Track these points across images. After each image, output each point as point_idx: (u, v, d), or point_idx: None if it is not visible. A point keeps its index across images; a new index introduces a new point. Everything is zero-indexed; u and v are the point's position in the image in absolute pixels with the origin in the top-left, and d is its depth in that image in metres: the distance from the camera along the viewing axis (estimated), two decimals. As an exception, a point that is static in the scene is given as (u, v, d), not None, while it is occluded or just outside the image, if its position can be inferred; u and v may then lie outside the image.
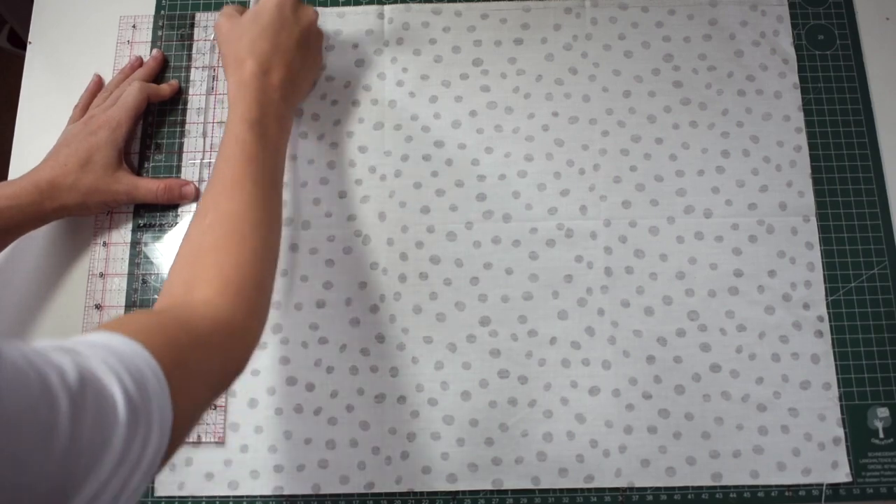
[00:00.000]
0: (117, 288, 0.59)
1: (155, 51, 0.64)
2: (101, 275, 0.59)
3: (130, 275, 0.59)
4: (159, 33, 0.65)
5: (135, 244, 0.60)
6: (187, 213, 0.60)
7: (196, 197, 0.60)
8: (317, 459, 0.56)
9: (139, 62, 0.63)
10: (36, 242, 0.60)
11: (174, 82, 0.63)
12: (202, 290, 0.43)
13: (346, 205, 0.60)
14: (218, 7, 0.65)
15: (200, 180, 0.61)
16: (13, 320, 0.58)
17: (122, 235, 0.60)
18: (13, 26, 1.33)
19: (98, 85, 0.63)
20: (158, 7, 0.66)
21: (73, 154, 0.56)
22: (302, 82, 0.57)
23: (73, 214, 0.57)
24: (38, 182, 0.54)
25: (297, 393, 0.57)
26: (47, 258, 0.60)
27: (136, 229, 0.60)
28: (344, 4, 0.65)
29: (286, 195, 0.60)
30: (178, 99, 0.63)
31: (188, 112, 0.63)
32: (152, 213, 0.60)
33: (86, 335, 0.34)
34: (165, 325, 0.38)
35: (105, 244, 0.60)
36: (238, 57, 0.54)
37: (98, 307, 0.58)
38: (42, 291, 0.59)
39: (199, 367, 0.39)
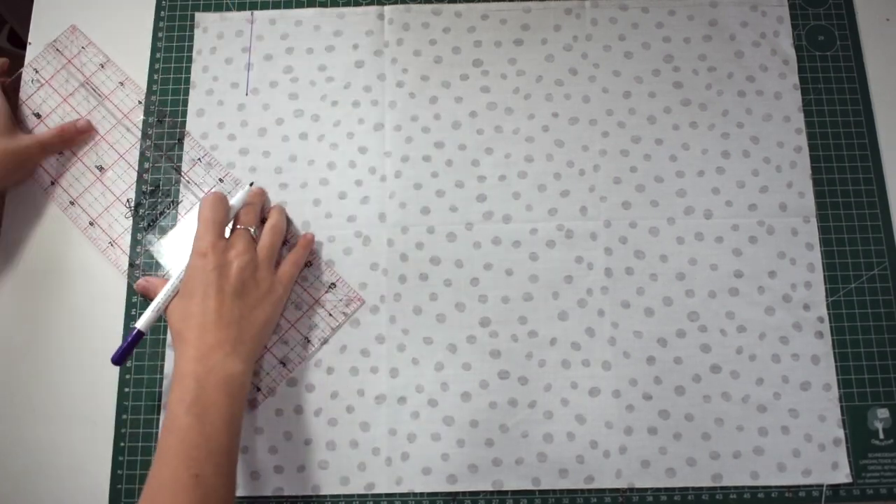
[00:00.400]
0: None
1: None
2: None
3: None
4: (159, 34, 0.65)
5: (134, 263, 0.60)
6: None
7: (90, 128, 0.61)
8: (317, 460, 0.56)
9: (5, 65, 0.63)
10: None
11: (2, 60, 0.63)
12: None
13: (346, 206, 0.60)
14: (218, 7, 0.65)
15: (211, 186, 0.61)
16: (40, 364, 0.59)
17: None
18: (13, 26, 1.33)
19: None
20: (158, 7, 0.66)
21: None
22: (251, 328, 0.51)
23: None
24: None
25: (297, 394, 0.57)
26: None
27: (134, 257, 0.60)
28: (344, 5, 0.65)
29: (286, 196, 0.60)
30: (178, 101, 0.63)
31: (188, 115, 0.63)
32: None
33: None
34: None
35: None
36: (175, 327, 0.51)
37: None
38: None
39: None
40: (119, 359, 0.53)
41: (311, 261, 0.59)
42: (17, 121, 0.61)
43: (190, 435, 0.46)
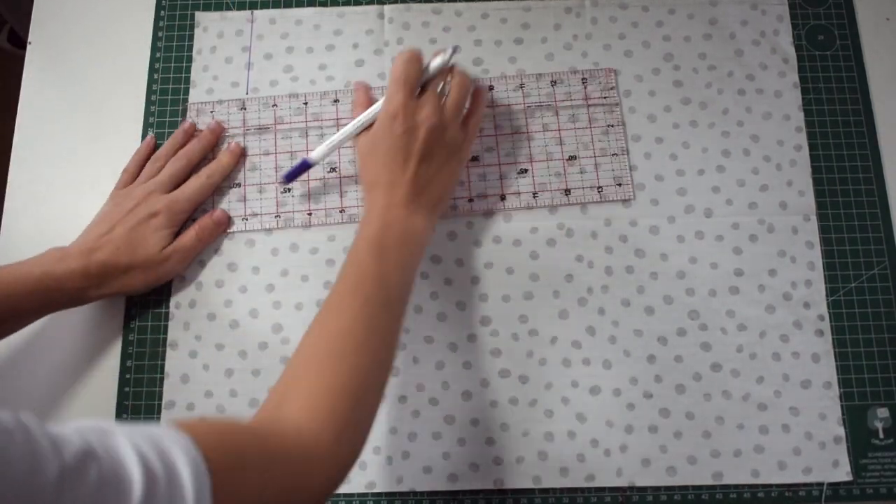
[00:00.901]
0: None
1: (234, 143, 0.61)
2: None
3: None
4: (159, 34, 0.65)
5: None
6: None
7: (227, 219, 0.60)
8: (318, 459, 0.55)
9: (192, 128, 0.61)
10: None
11: (235, 146, 0.61)
12: (292, 408, 0.42)
13: (347, 204, 0.60)
14: (218, 7, 0.65)
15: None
16: (46, 389, 0.58)
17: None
18: (13, 26, 1.33)
19: (150, 148, 0.61)
20: (158, 7, 0.66)
21: (126, 237, 0.55)
22: (436, 188, 0.54)
23: (120, 294, 0.58)
24: (88, 266, 0.53)
25: (297, 393, 0.57)
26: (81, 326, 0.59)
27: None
28: (344, 4, 0.65)
29: (286, 195, 0.60)
30: (178, 100, 0.63)
31: (188, 114, 0.63)
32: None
33: (147, 426, 0.34)
34: (234, 432, 0.39)
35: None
36: (366, 179, 0.54)
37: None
38: (76, 362, 0.59)
39: (262, 480, 0.37)
40: (288, 178, 0.58)
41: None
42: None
43: (367, 268, 0.49)
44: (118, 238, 0.55)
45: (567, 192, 0.60)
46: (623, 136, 0.61)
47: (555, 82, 0.62)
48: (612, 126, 0.61)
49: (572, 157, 0.61)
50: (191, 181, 0.59)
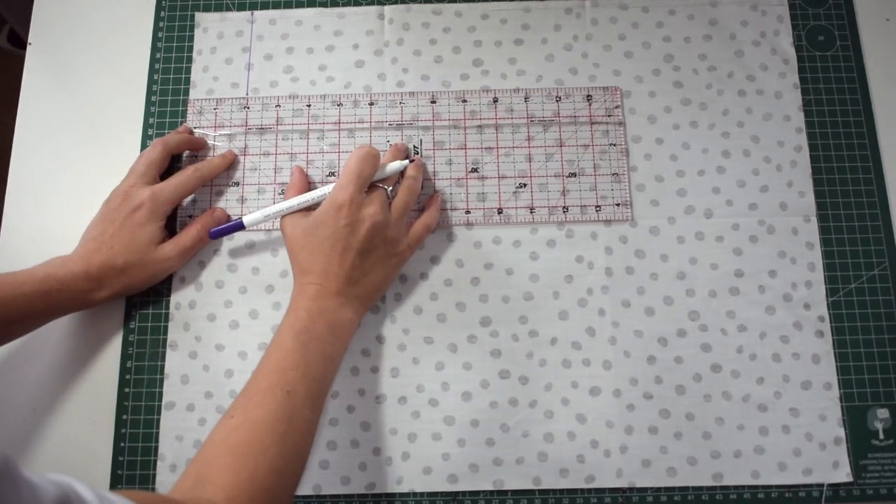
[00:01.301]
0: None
1: (228, 151, 0.61)
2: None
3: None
4: (159, 34, 0.65)
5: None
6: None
7: (227, 218, 0.60)
8: (318, 460, 0.55)
9: (186, 131, 0.61)
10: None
11: (230, 152, 0.61)
12: (211, 491, 0.42)
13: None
14: (218, 7, 0.65)
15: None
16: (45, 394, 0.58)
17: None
18: (13, 26, 1.33)
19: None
20: (158, 7, 0.66)
21: (117, 234, 0.55)
22: (370, 283, 0.54)
23: (123, 296, 0.58)
24: (88, 269, 0.54)
25: (297, 393, 0.57)
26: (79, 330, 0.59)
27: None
28: (344, 5, 0.65)
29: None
30: (178, 101, 0.63)
31: (188, 115, 0.63)
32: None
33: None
34: None
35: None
36: (300, 265, 0.53)
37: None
38: (75, 362, 0.59)
39: None
40: (216, 235, 0.58)
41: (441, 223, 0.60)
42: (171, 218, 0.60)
43: (291, 357, 0.49)
44: (111, 239, 0.55)
45: (565, 209, 0.60)
46: (625, 156, 0.60)
47: (559, 98, 0.62)
48: (615, 145, 0.61)
49: (572, 175, 0.60)
50: (176, 174, 0.59)
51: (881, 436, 0.56)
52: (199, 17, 0.65)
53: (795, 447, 0.55)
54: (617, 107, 0.61)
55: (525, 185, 0.60)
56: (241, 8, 0.65)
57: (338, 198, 0.53)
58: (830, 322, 0.58)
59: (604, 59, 0.63)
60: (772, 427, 0.55)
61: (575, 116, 0.61)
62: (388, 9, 0.65)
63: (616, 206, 0.59)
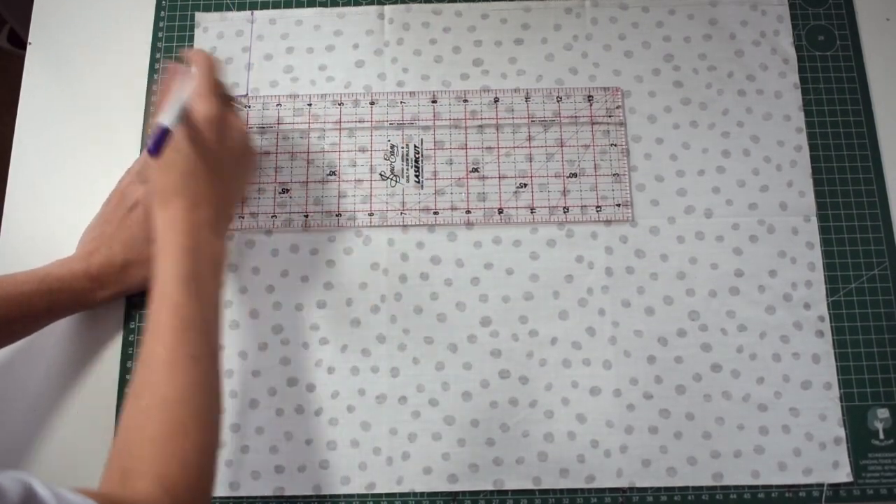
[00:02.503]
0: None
1: None
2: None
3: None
4: (159, 34, 0.65)
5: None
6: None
7: None
8: (318, 460, 0.55)
9: None
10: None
11: None
12: (138, 484, 0.40)
13: (346, 205, 0.60)
14: (218, 7, 0.65)
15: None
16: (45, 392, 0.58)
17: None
18: (13, 26, 1.33)
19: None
20: (158, 7, 0.66)
21: (116, 234, 0.55)
22: (232, 207, 0.52)
23: (124, 294, 0.57)
24: (89, 268, 0.54)
25: (298, 393, 0.57)
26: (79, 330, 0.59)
27: None
28: (344, 5, 0.65)
29: (286, 195, 0.60)
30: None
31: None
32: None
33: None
34: None
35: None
36: (164, 194, 0.48)
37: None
38: (75, 364, 0.58)
39: None
40: (154, 150, 0.45)
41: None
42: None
43: (185, 312, 0.44)
44: (109, 238, 0.55)
45: (566, 209, 0.60)
46: (626, 156, 0.60)
47: (560, 98, 0.62)
48: (615, 146, 0.61)
49: (573, 175, 0.60)
50: None
51: (881, 436, 0.56)
52: (199, 16, 0.65)
53: (795, 447, 0.55)
54: (618, 107, 0.61)
55: (525, 185, 0.60)
56: (241, 8, 0.65)
57: (206, 111, 0.48)
58: (830, 322, 0.58)
59: (604, 58, 0.63)
60: (772, 427, 0.55)
61: (576, 117, 0.61)
62: (388, 8, 0.65)
63: (616, 207, 0.59)
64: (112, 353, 0.58)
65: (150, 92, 0.63)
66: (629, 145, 0.61)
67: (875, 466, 0.55)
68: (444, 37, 0.64)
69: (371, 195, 0.60)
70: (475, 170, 0.61)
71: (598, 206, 0.60)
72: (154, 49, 0.65)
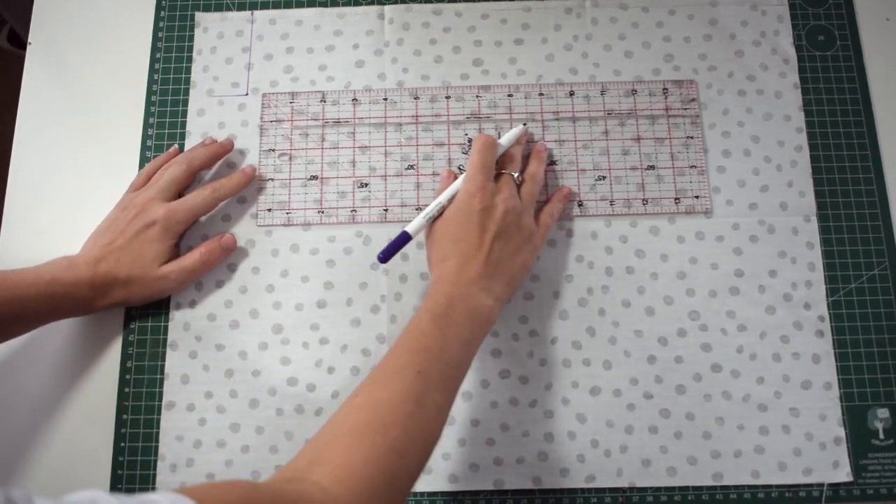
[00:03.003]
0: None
1: (248, 167, 0.60)
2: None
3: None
4: (159, 34, 0.65)
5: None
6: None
7: (234, 245, 0.59)
8: (318, 460, 0.55)
9: (212, 141, 0.60)
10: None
11: (250, 168, 0.60)
12: (322, 472, 0.40)
13: (347, 205, 0.60)
14: (218, 7, 0.65)
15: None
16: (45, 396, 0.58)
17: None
18: (13, 26, 1.33)
19: (172, 157, 0.60)
20: (158, 7, 0.66)
21: (126, 247, 0.55)
22: (509, 270, 0.53)
23: (121, 305, 0.57)
24: (94, 276, 0.54)
25: (298, 393, 0.57)
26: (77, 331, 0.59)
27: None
28: (344, 5, 0.65)
29: (286, 195, 0.60)
30: (178, 101, 0.63)
31: (189, 115, 0.63)
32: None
33: (145, 495, 0.33)
34: (245, 495, 0.36)
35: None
36: (437, 255, 0.53)
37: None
38: (75, 365, 0.58)
39: None
40: (385, 257, 0.54)
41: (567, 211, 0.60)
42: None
43: (426, 339, 0.47)
44: (119, 250, 0.55)
45: (645, 201, 0.60)
46: (702, 148, 0.60)
47: (634, 91, 0.62)
48: (692, 138, 0.61)
49: (651, 167, 0.60)
50: (194, 192, 0.58)
51: (881, 435, 0.56)
52: (199, 16, 0.65)
53: (795, 447, 0.55)
54: (693, 99, 0.61)
55: (604, 177, 0.60)
56: (241, 8, 0.65)
57: (469, 187, 0.53)
58: (830, 322, 0.58)
59: (604, 58, 0.63)
60: (772, 427, 0.55)
61: (651, 109, 0.61)
62: (388, 9, 0.65)
63: (695, 199, 0.59)
64: (112, 353, 0.58)
65: (150, 92, 0.63)
66: (629, 146, 0.61)
67: (875, 466, 0.55)
68: (445, 37, 0.64)
69: (371, 195, 0.60)
70: (553, 162, 0.61)
71: (676, 199, 0.59)
72: (154, 49, 0.65)
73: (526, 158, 0.59)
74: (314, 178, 0.61)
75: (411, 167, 0.61)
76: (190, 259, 0.57)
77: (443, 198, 0.55)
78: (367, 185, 0.61)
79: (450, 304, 0.49)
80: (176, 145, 0.62)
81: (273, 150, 0.62)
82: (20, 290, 0.51)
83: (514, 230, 0.53)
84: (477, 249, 0.52)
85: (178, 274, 0.56)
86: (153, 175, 0.59)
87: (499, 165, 0.57)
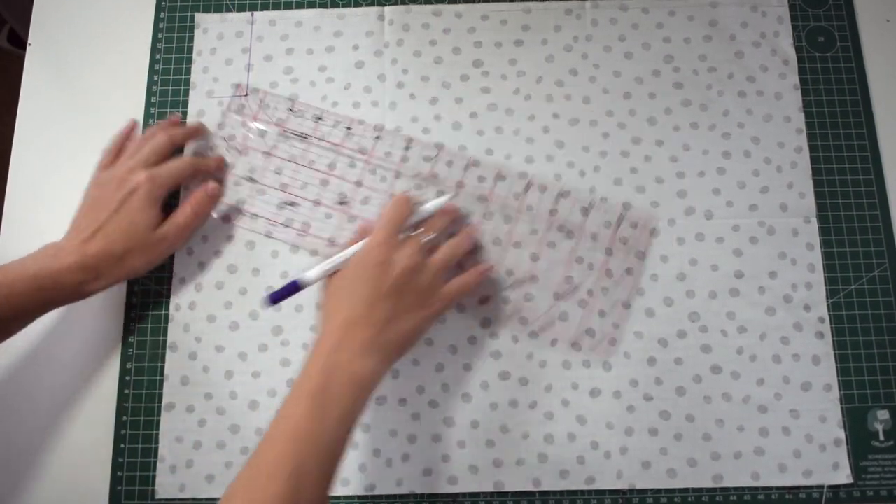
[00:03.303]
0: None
1: (220, 157, 0.61)
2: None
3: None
4: (159, 34, 0.65)
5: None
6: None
7: (220, 192, 0.59)
8: (317, 461, 0.55)
9: (178, 120, 0.62)
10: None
11: (220, 157, 0.61)
12: None
13: (346, 207, 0.60)
14: (218, 8, 0.65)
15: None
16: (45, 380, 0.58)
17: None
18: (13, 26, 1.33)
19: (132, 130, 0.61)
20: (158, 8, 0.66)
21: (114, 219, 0.53)
22: (397, 333, 0.50)
23: (118, 284, 0.56)
24: (84, 259, 0.52)
25: (297, 395, 0.57)
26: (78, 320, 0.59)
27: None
28: (344, 6, 0.65)
29: (286, 196, 0.60)
30: (178, 102, 0.63)
31: (188, 116, 0.63)
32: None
33: None
34: None
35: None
36: (326, 308, 0.50)
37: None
38: (74, 356, 0.59)
39: None
40: (273, 301, 0.53)
41: (488, 296, 0.58)
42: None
43: (303, 424, 0.44)
44: (108, 226, 0.53)
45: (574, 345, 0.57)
46: (634, 287, 0.58)
47: (589, 207, 0.59)
48: (630, 271, 0.58)
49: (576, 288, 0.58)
50: (175, 159, 0.58)
51: (881, 437, 0.56)
52: (199, 17, 0.65)
53: (795, 448, 0.55)
54: (645, 237, 0.59)
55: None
56: (241, 9, 0.65)
57: (371, 240, 0.51)
58: (830, 323, 0.58)
59: (604, 60, 0.63)
60: (772, 428, 0.55)
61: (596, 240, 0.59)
62: (388, 10, 0.65)
63: (592, 338, 0.57)
64: (112, 354, 0.58)
65: (150, 92, 0.63)
66: (629, 147, 0.61)
67: (875, 468, 0.55)
68: (444, 38, 0.64)
69: (371, 196, 0.60)
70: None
71: (588, 329, 0.57)
72: (154, 49, 0.65)
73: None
74: (309, 189, 0.61)
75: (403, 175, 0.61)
76: (182, 215, 0.57)
77: (348, 252, 0.53)
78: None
79: (328, 376, 0.46)
80: (132, 118, 0.62)
81: (270, 154, 0.62)
82: (3, 288, 0.50)
83: (410, 291, 0.50)
84: (365, 306, 0.49)
85: (174, 231, 0.56)
86: (118, 149, 0.59)
87: (415, 230, 0.54)
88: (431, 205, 0.55)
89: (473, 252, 0.58)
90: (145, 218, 0.54)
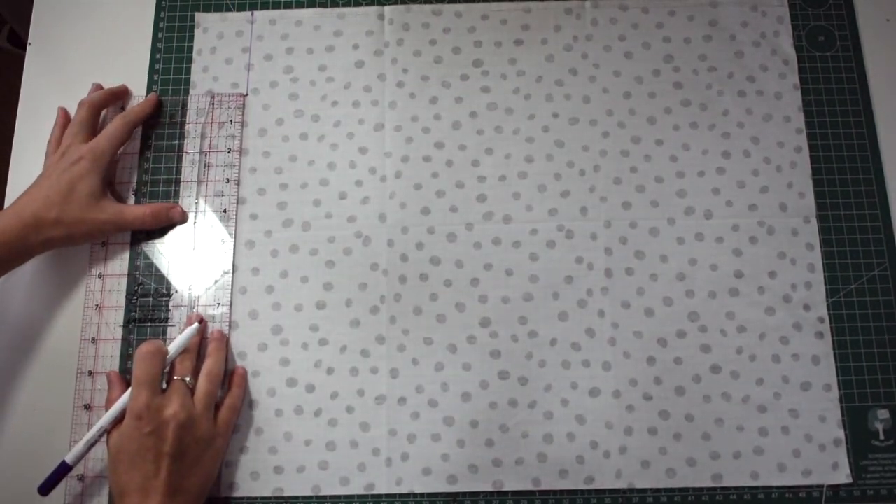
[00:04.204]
0: (114, 321, 0.58)
1: (152, 95, 0.62)
2: (97, 307, 0.59)
3: (128, 303, 0.59)
4: (159, 34, 0.65)
5: (132, 273, 0.59)
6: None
7: (183, 218, 0.60)
8: (317, 461, 0.55)
9: (98, 89, 0.62)
10: (28, 276, 0.59)
11: (152, 95, 0.62)
12: None
13: (346, 206, 0.60)
14: (218, 8, 0.65)
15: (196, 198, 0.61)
16: (5, 358, 0.58)
17: (119, 266, 0.60)
18: (13, 26, 1.33)
19: (66, 118, 0.62)
20: (158, 7, 0.66)
21: (55, 185, 0.55)
22: (194, 486, 0.50)
23: (59, 246, 0.57)
24: (21, 216, 0.54)
25: (297, 394, 0.57)
26: (40, 290, 0.59)
27: (134, 257, 0.60)
28: (344, 5, 0.65)
29: (286, 196, 0.60)
30: (178, 100, 0.63)
31: (188, 113, 0.63)
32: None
33: None
34: None
35: (101, 276, 0.59)
36: (116, 487, 0.49)
37: (94, 340, 0.58)
38: (35, 326, 0.59)
39: None
40: (45, 490, 0.52)
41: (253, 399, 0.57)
42: (111, 180, 0.61)
43: None
44: (47, 188, 0.55)
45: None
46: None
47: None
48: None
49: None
50: (108, 126, 0.59)
51: (881, 436, 0.56)
52: (199, 17, 0.65)
53: (795, 448, 0.55)
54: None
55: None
56: (241, 8, 0.65)
57: (134, 408, 0.50)
58: (830, 323, 0.58)
59: (604, 59, 0.63)
60: (771, 428, 0.55)
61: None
62: (388, 9, 0.65)
63: None
64: (112, 355, 0.58)
65: (150, 92, 0.63)
66: (629, 147, 0.61)
67: (875, 467, 0.55)
68: (444, 37, 0.64)
69: (370, 196, 0.60)
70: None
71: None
72: (154, 49, 0.65)
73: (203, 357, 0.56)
74: (310, 184, 0.61)
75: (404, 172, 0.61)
76: (132, 212, 0.58)
77: (104, 421, 0.51)
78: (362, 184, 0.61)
79: None
80: (61, 105, 0.62)
81: (270, 154, 0.62)
82: None
83: (191, 445, 0.50)
84: (154, 477, 0.49)
85: (116, 218, 0.57)
86: (59, 139, 0.60)
87: (172, 368, 0.53)
88: (181, 340, 0.54)
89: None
90: (87, 186, 0.56)
